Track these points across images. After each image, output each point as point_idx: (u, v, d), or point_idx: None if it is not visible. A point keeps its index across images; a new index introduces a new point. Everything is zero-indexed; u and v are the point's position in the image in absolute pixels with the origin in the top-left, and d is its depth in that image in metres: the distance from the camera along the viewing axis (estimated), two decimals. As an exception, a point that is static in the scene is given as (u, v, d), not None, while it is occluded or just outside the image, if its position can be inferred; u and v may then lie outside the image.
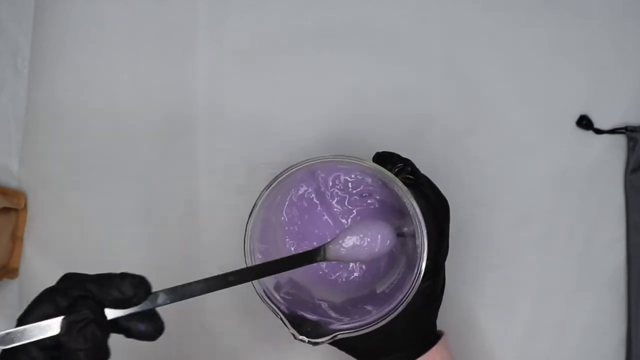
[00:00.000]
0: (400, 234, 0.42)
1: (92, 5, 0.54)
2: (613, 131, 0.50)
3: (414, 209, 0.37)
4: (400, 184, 0.37)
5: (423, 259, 0.36)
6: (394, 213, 0.43)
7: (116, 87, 0.54)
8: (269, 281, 0.38)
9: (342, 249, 0.37)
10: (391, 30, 0.52)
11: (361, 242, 0.37)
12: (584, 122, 0.50)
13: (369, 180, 0.43)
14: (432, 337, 0.42)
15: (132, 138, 0.53)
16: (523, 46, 0.51)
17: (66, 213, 0.54)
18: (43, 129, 0.54)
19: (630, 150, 0.50)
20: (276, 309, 0.37)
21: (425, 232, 0.37)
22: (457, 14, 0.52)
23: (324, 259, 0.37)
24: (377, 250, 0.38)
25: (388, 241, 0.38)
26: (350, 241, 0.37)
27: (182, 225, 0.53)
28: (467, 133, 0.51)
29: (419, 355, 0.40)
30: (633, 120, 0.50)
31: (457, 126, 0.51)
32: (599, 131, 0.50)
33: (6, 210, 0.52)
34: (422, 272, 0.36)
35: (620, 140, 0.50)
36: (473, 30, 0.52)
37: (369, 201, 0.43)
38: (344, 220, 0.43)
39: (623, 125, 0.50)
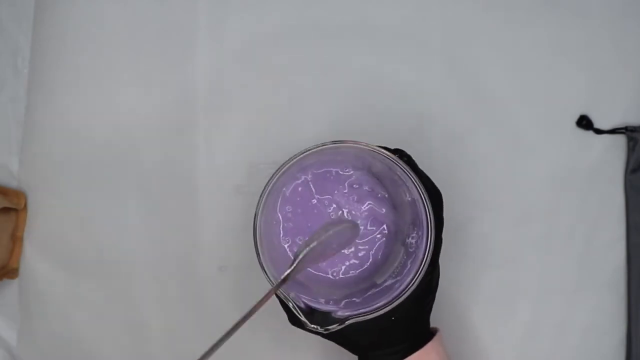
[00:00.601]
0: (392, 225, 0.43)
1: (92, 5, 0.54)
2: (613, 131, 0.50)
3: (419, 191, 0.37)
4: (404, 164, 0.38)
5: (431, 238, 0.38)
6: (385, 203, 0.43)
7: (116, 87, 0.54)
8: (279, 275, 0.39)
9: (307, 260, 0.36)
10: (391, 30, 0.52)
11: (323, 249, 0.37)
12: (584, 122, 0.50)
13: (360, 174, 0.43)
14: (426, 332, 0.42)
15: (132, 138, 0.53)
16: (523, 46, 0.51)
17: (66, 213, 0.54)
18: (43, 129, 0.54)
19: (630, 150, 0.50)
20: (289, 299, 0.38)
21: (432, 211, 0.38)
22: (457, 14, 0.52)
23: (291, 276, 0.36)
24: (344, 243, 0.39)
25: (350, 236, 0.39)
26: (313, 253, 0.37)
27: (182, 225, 0.53)
28: (467, 133, 0.51)
29: (415, 350, 0.40)
30: (633, 120, 0.50)
31: (457, 126, 0.51)
32: (599, 131, 0.50)
33: (6, 210, 0.52)
34: (432, 251, 0.37)
35: (620, 140, 0.50)
36: (473, 30, 0.52)
37: (360, 192, 0.43)
38: (332, 207, 0.44)
39: (623, 125, 0.50)
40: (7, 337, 0.55)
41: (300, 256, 0.35)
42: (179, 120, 0.53)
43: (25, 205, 0.54)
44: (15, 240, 0.54)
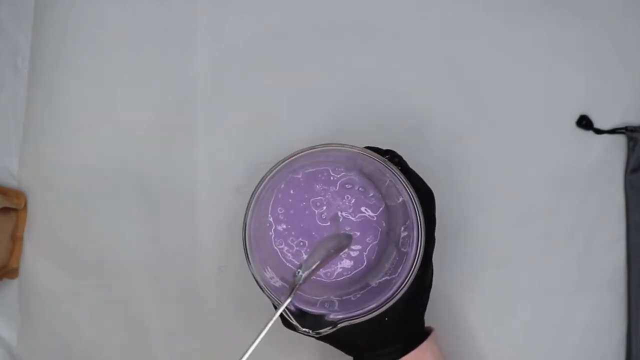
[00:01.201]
0: (385, 225, 0.43)
1: (92, 5, 0.54)
2: (613, 131, 0.50)
3: (408, 193, 0.37)
4: (394, 167, 0.38)
5: (422, 239, 0.38)
6: (377, 203, 0.43)
7: (116, 87, 0.54)
8: (271, 279, 0.39)
9: (311, 275, 0.37)
10: (391, 30, 0.52)
11: (318, 265, 0.37)
12: (584, 122, 0.50)
13: (352, 174, 0.43)
14: (422, 331, 0.42)
15: (132, 138, 0.53)
16: (523, 46, 0.51)
17: (66, 213, 0.54)
18: (43, 129, 0.55)
19: (630, 150, 0.50)
20: (280, 303, 0.37)
21: (421, 212, 0.38)
22: (457, 14, 0.52)
23: (300, 287, 0.37)
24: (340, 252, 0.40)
25: (344, 245, 0.40)
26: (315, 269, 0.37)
27: (182, 225, 0.53)
28: (467, 133, 0.51)
29: (410, 349, 0.40)
30: (633, 120, 0.50)
31: (457, 126, 0.51)
32: (599, 131, 0.50)
33: (6, 210, 0.52)
34: (422, 253, 0.37)
35: (620, 140, 0.50)
36: (473, 30, 0.52)
37: (352, 192, 0.43)
38: (324, 208, 0.44)
39: (623, 125, 0.50)
40: (7, 337, 0.55)
41: (301, 281, 0.35)
42: (179, 120, 0.53)
43: (25, 205, 0.54)
44: (15, 240, 0.54)
